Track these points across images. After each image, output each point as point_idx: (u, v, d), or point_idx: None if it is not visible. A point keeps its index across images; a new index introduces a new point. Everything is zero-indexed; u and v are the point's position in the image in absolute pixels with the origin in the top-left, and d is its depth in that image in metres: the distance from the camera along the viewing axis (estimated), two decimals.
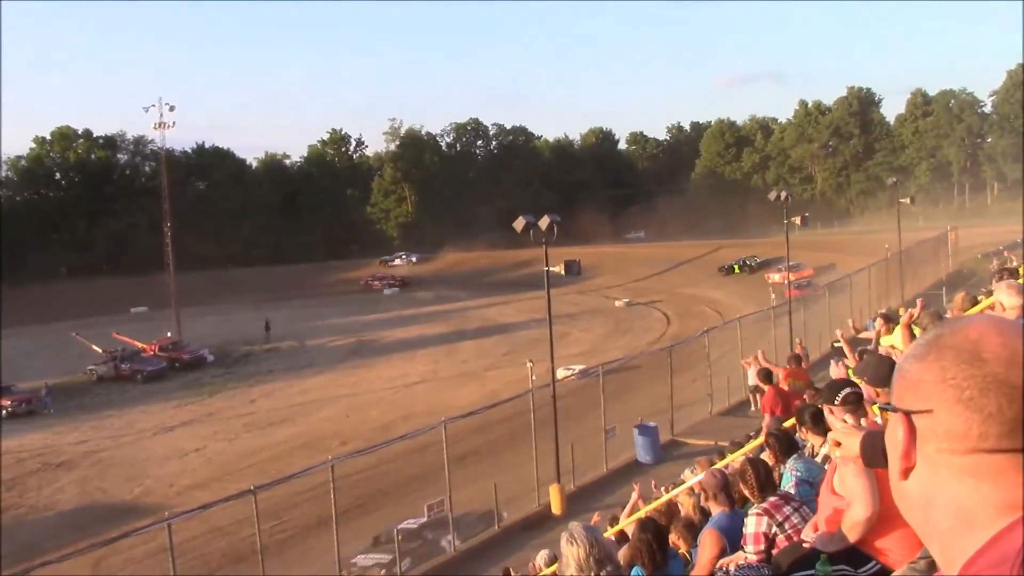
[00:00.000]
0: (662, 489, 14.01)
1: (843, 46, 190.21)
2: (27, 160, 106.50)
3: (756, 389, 28.73)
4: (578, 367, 37.65)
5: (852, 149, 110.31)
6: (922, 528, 1.23)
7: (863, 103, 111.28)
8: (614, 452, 25.11)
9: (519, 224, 22.80)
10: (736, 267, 75.85)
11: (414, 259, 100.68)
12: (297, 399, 44.15)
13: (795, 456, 6.29)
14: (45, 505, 31.03)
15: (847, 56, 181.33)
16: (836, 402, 4.70)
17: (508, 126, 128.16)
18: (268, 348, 60.05)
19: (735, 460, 9.88)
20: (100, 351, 55.66)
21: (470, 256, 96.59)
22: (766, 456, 8.18)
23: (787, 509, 5.27)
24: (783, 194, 34.92)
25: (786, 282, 41.31)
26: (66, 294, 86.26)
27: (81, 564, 21.92)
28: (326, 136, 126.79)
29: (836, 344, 18.20)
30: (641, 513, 11.54)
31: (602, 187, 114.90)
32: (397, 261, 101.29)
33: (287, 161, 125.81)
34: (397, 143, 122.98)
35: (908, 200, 52.28)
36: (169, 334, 60.72)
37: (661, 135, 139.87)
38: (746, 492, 5.90)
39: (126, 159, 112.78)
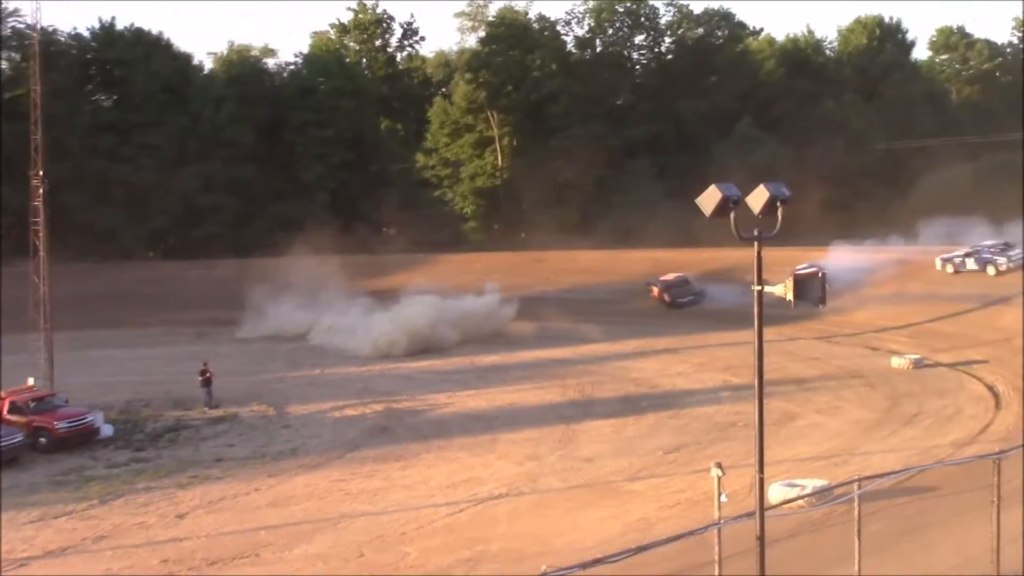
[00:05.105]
0: None
1: None
2: None
3: None
4: (811, 482, 24.32)
5: None
6: None
7: None
8: None
9: (708, 200, 11.59)
10: None
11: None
12: (266, 516, 28.40)
13: None
14: None
15: None
16: None
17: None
18: (217, 416, 38.38)
19: None
20: None
21: (617, 257, 62.93)
22: None
23: None
24: None
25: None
26: None
27: None
28: (345, 18, 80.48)
29: None
30: None
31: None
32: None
33: (270, 63, 79.09)
34: (482, 34, 75.22)
35: None
36: (31, 381, 38.03)
37: None
38: None
39: None
